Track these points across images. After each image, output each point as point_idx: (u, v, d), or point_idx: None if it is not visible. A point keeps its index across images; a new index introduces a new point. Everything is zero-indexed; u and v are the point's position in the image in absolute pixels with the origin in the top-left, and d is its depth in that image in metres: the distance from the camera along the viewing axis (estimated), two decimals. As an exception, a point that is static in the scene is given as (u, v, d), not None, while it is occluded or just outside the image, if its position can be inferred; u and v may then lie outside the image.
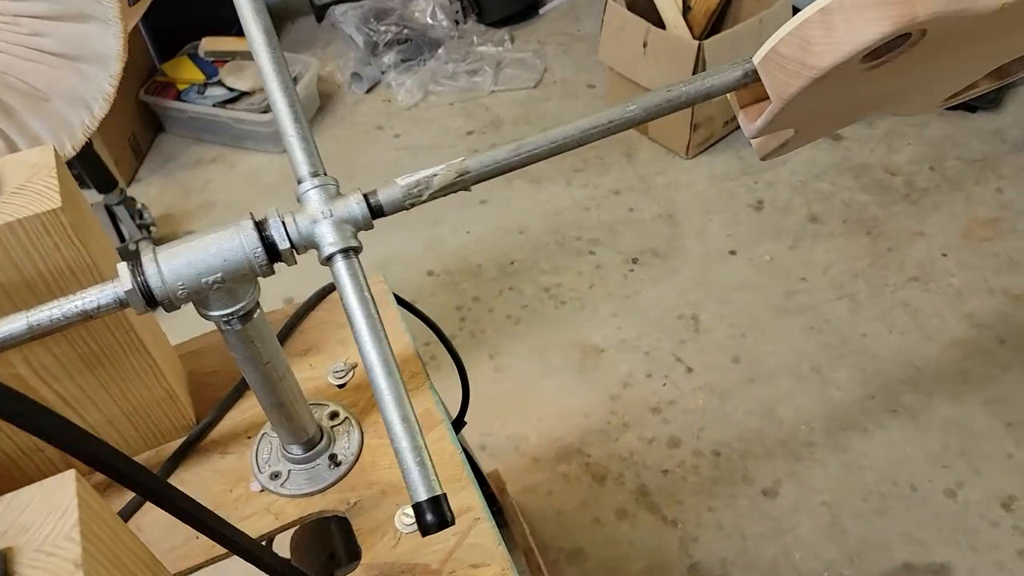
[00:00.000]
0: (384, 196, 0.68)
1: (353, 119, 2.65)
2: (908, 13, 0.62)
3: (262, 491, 0.83)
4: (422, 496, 0.62)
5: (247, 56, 2.62)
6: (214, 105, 2.49)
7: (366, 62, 2.70)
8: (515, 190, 2.36)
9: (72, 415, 0.80)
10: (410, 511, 0.80)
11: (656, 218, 2.26)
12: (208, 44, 2.64)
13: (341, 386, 0.91)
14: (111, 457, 0.55)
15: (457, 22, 2.84)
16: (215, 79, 2.56)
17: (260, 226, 0.65)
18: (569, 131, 0.72)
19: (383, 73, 2.71)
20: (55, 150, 0.70)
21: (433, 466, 0.63)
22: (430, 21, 2.71)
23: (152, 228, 2.17)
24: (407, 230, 2.29)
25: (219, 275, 0.64)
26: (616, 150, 2.45)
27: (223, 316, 0.68)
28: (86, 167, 1.99)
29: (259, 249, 0.64)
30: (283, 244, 0.65)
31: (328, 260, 0.66)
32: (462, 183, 0.69)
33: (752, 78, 0.73)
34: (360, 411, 0.89)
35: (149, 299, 0.63)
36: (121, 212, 2.09)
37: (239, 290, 0.67)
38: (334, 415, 0.88)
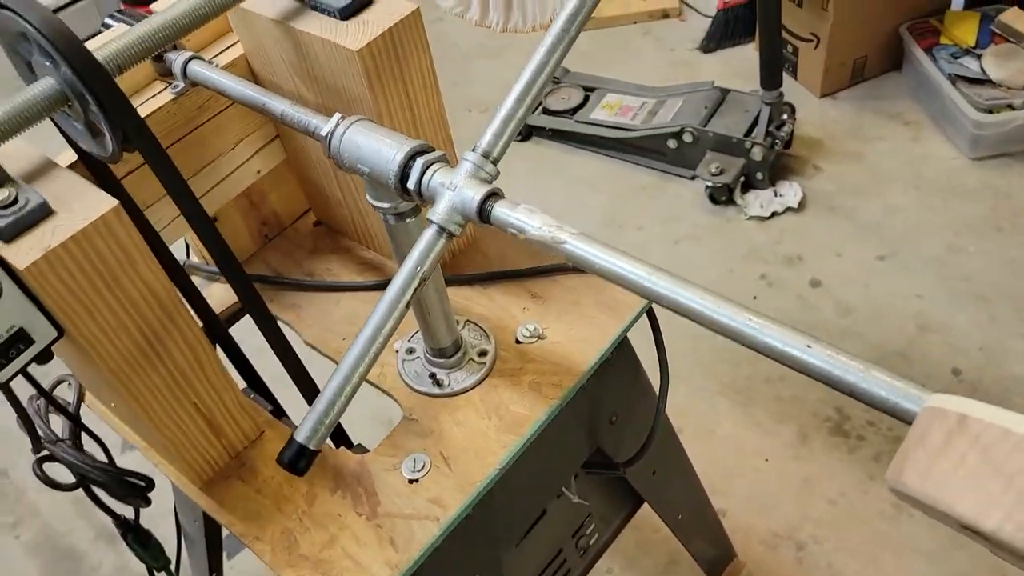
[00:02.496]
0: (497, 210, 0.66)
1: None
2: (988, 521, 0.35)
3: (396, 352, 0.95)
4: (299, 437, 0.69)
5: (1034, 47, 2.22)
6: (949, 75, 2.23)
7: None
8: None
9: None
10: (411, 473, 0.84)
11: None
12: (1009, 18, 2.29)
13: (518, 342, 0.93)
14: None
15: None
16: (979, 51, 2.26)
17: (412, 157, 0.70)
18: (689, 296, 0.57)
19: None
20: (418, 13, 0.83)
21: (329, 426, 0.68)
22: None
23: (780, 142, 2.17)
24: (988, 318, 1.87)
25: (368, 169, 0.73)
26: None
27: (375, 205, 0.77)
28: (765, 56, 2.04)
29: (395, 172, 0.70)
30: (410, 184, 0.70)
31: (428, 221, 0.69)
32: (556, 250, 0.63)
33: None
34: (504, 369, 0.91)
35: (329, 148, 0.75)
36: (764, 113, 2.13)
37: (383, 191, 0.75)
38: (483, 354, 0.92)
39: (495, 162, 0.70)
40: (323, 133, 0.75)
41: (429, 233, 0.68)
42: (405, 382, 0.92)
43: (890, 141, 2.32)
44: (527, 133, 2.56)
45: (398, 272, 0.69)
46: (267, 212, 1.09)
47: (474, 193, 0.67)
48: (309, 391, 0.86)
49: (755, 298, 2.00)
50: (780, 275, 2.05)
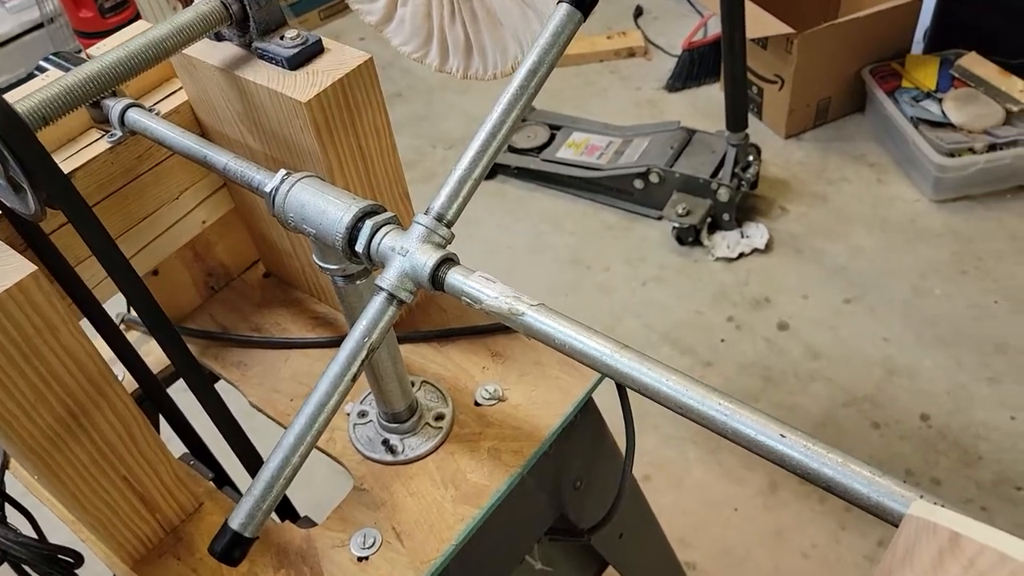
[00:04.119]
0: (451, 277, 0.62)
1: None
2: None
3: (347, 415, 0.90)
4: (233, 524, 0.63)
5: (994, 92, 2.25)
6: (911, 118, 2.24)
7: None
8: None
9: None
10: (360, 551, 0.78)
11: None
12: (968, 63, 2.32)
13: (477, 404, 0.89)
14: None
15: None
16: (939, 95, 2.28)
17: (361, 218, 0.66)
18: (656, 376, 0.53)
19: None
20: (370, 62, 0.79)
21: (267, 511, 0.63)
22: None
23: (746, 183, 2.16)
24: (953, 363, 1.86)
25: (313, 231, 0.68)
26: None
27: (322, 266, 0.72)
28: (730, 99, 2.04)
29: (342, 234, 0.66)
30: (359, 246, 0.66)
31: (376, 288, 0.64)
32: (513, 323, 0.59)
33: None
34: (461, 434, 0.86)
35: (273, 206, 0.71)
36: (730, 154, 2.13)
37: (330, 253, 0.70)
38: (439, 418, 0.87)
39: (449, 225, 0.65)
40: (267, 190, 0.70)
41: (378, 301, 0.64)
42: (356, 448, 0.87)
43: (854, 183, 2.32)
44: (492, 171, 2.53)
45: (344, 343, 0.64)
46: (213, 263, 1.04)
47: (426, 259, 0.62)
48: (253, 463, 0.80)
49: (723, 341, 1.98)
50: (748, 318, 2.03)
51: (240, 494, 0.90)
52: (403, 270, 0.63)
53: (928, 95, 2.31)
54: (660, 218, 2.27)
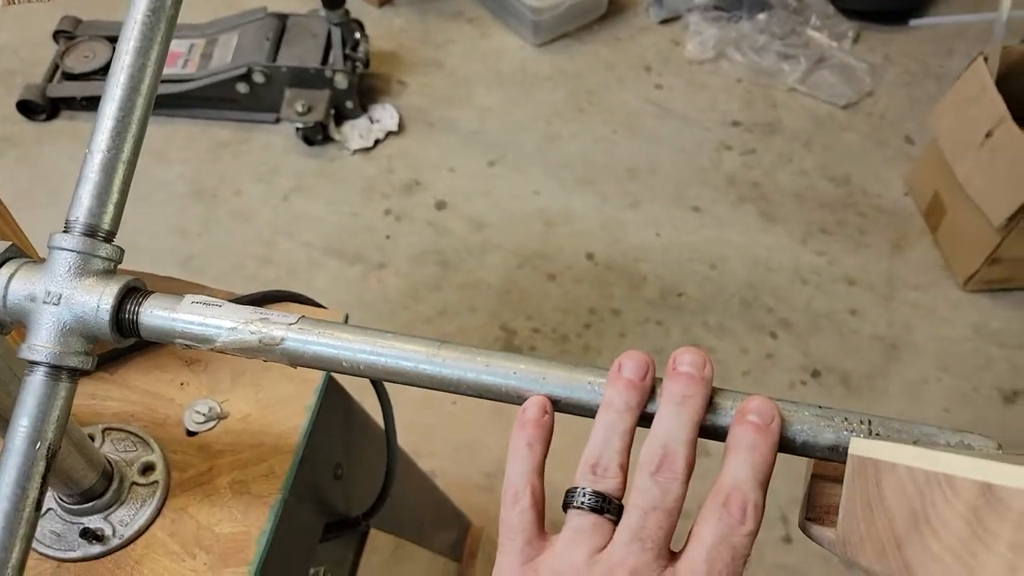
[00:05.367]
0: (150, 314, 0.41)
1: (627, 45, 2.29)
2: None
3: (10, 513, 0.64)
4: None
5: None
6: (496, -35, 2.23)
7: (676, -9, 2.30)
8: (740, 214, 1.94)
9: None
10: None
11: (876, 339, 1.77)
12: None
13: (191, 433, 0.68)
14: None
15: (804, -9, 2.33)
16: (514, -62, 2.29)
17: (-45, 264, 0.41)
18: (431, 365, 0.40)
19: (688, 11, 2.30)
20: None
21: None
22: (771, -22, 2.23)
23: (360, 63, 2.00)
24: (598, 198, 1.97)
25: None
26: (885, 230, 1.94)
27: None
28: (320, -26, 1.83)
29: (-71, 298, 0.40)
30: (-32, 309, 0.41)
31: (28, 365, 0.41)
32: (271, 355, 0.41)
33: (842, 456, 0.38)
34: (187, 479, 0.65)
35: None
36: (335, 35, 1.94)
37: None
38: (148, 469, 0.65)
39: (110, 238, 0.43)
40: None
41: (36, 383, 0.41)
42: (44, 555, 0.62)
43: (461, 43, 2.28)
44: (53, 109, 2.06)
45: (3, 457, 0.41)
46: None
47: (97, 298, 0.41)
48: None
49: (388, 237, 1.87)
50: (404, 206, 1.93)
51: None
52: (61, 325, 0.41)
53: (504, -60, 2.30)
54: (278, 120, 2.04)
